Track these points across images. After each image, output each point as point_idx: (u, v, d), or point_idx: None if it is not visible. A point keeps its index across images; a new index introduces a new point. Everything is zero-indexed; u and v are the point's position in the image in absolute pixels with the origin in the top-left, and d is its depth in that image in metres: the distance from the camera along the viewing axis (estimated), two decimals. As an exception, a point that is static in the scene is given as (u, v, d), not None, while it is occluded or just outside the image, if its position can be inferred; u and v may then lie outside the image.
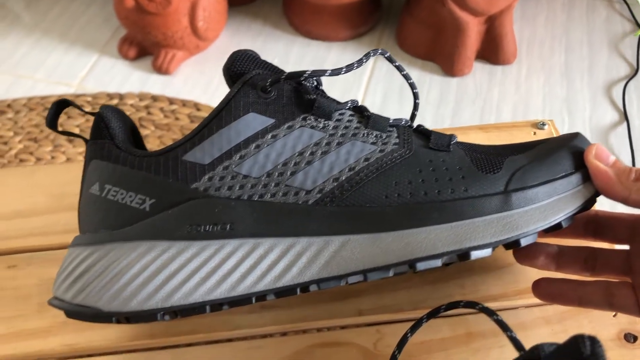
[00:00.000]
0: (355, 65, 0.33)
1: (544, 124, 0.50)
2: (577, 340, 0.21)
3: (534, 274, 0.38)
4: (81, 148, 0.89)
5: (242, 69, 0.33)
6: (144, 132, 0.91)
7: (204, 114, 0.93)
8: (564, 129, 0.90)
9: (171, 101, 0.94)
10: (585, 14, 1.10)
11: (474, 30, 0.95)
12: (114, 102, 0.94)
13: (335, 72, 0.33)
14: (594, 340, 0.21)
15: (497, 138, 0.49)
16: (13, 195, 0.45)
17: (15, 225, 0.43)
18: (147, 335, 0.37)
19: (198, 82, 0.99)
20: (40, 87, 0.98)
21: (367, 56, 0.34)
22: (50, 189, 0.45)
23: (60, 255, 0.41)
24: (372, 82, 0.98)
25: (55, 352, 0.37)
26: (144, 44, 1.01)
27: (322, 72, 0.33)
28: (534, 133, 0.49)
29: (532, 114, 0.92)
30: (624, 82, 0.97)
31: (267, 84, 0.33)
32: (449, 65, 0.98)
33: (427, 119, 0.92)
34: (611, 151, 0.86)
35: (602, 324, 0.38)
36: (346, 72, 0.33)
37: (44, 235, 0.42)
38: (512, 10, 0.94)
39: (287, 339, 0.37)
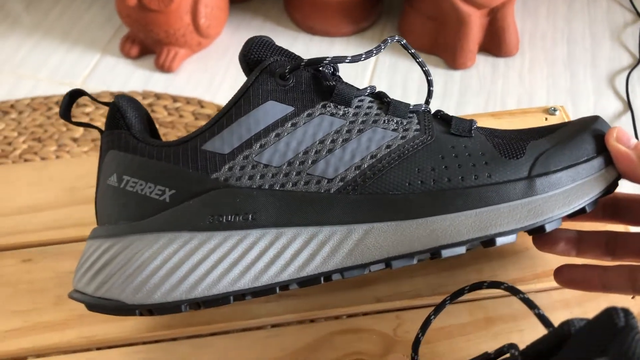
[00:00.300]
0: (374, 51, 0.33)
1: (555, 110, 0.50)
2: (610, 313, 0.21)
3: (551, 258, 0.38)
4: (86, 147, 0.88)
5: (258, 56, 0.33)
6: (147, 130, 0.90)
7: (208, 110, 0.92)
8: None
9: (175, 99, 0.94)
10: (587, 5, 1.10)
11: (476, 22, 0.95)
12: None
13: (356, 58, 0.32)
14: (627, 312, 0.21)
15: (509, 125, 0.49)
16: (25, 190, 0.44)
17: (28, 219, 0.43)
18: (165, 326, 0.37)
19: (201, 79, 0.99)
20: (43, 87, 0.98)
21: (385, 42, 0.34)
22: (62, 183, 0.45)
23: (74, 248, 0.41)
24: (375, 75, 0.98)
25: (73, 344, 0.36)
26: (146, 42, 1.00)
27: (342, 59, 0.32)
28: (546, 119, 0.49)
29: (536, 106, 0.92)
30: (627, 72, 0.97)
31: (286, 70, 0.32)
32: (452, 58, 0.98)
33: (431, 112, 0.92)
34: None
35: (621, 306, 0.37)
36: (365, 58, 0.33)
37: (58, 228, 0.42)
38: (514, 2, 0.94)
39: (305, 326, 0.37)
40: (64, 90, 0.97)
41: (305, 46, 1.04)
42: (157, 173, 0.32)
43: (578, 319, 0.24)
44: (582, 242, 0.36)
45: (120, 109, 0.34)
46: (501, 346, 0.25)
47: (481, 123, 0.49)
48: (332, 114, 0.32)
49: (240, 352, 0.36)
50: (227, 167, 0.31)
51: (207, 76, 0.99)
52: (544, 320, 0.27)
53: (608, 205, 0.36)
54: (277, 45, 0.34)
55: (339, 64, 0.34)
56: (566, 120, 0.47)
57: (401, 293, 0.39)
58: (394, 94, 0.93)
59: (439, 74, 0.98)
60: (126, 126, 0.33)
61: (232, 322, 0.37)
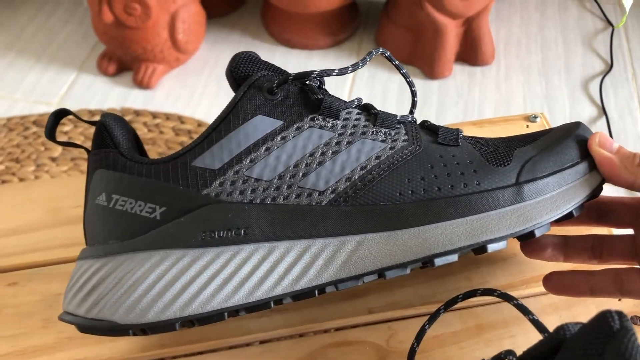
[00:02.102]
0: (360, 64, 0.34)
1: (536, 117, 0.51)
2: (606, 316, 0.21)
3: (539, 263, 0.39)
4: (65, 166, 0.87)
5: (246, 72, 0.33)
6: (127, 147, 0.89)
7: (189, 126, 0.92)
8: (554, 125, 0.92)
9: (154, 115, 0.93)
10: (558, 12, 1.12)
11: (452, 32, 0.96)
12: (96, 119, 0.92)
13: (342, 71, 0.33)
14: (621, 315, 0.21)
15: (491, 133, 0.50)
16: (9, 212, 0.44)
17: (13, 241, 0.42)
18: (157, 345, 0.37)
19: (180, 94, 0.98)
20: (20, 107, 0.96)
21: (369, 54, 0.34)
22: (46, 203, 0.44)
23: (61, 270, 0.40)
24: (354, 87, 0.98)
25: (65, 368, 0.36)
26: (124, 59, 0.99)
27: (330, 72, 0.33)
28: (527, 126, 0.50)
29: (513, 113, 0.93)
30: (600, 78, 0.99)
31: (274, 85, 0.32)
32: (429, 68, 0.99)
33: (411, 122, 0.93)
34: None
35: (608, 308, 0.38)
36: (352, 70, 0.33)
37: (44, 250, 0.42)
38: (488, 11, 0.96)
39: (299, 340, 0.37)
40: (41, 109, 0.96)
41: (283, 59, 1.04)
42: (147, 191, 0.32)
43: (573, 323, 0.24)
44: (568, 247, 0.36)
45: (108, 127, 0.33)
46: (498, 353, 0.26)
47: (465, 132, 0.50)
48: (320, 127, 0.33)
49: (233, 369, 0.36)
50: (218, 182, 0.31)
51: (187, 91, 0.99)
52: (539, 326, 0.28)
53: (592, 209, 0.37)
54: (263, 61, 0.34)
55: (342, 75, 0.34)
56: (547, 127, 0.48)
57: (393, 303, 0.39)
58: (374, 105, 0.94)
59: (417, 84, 0.99)
60: (114, 145, 0.33)
61: (225, 339, 0.37)
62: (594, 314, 0.38)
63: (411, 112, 0.38)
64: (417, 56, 1.00)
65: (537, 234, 0.31)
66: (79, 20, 1.13)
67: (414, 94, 0.38)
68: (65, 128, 0.92)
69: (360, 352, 0.37)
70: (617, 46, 1.05)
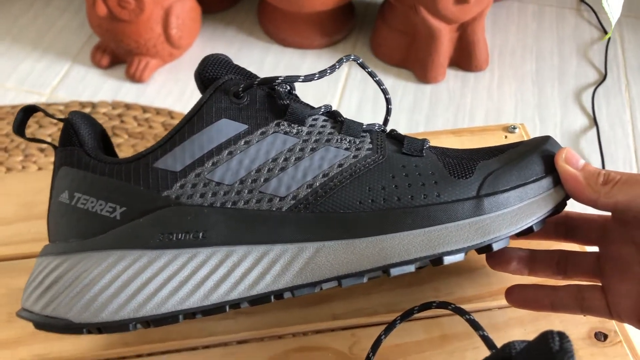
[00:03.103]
0: (328, 71, 0.34)
1: (514, 128, 0.50)
2: (547, 337, 0.21)
3: (507, 276, 0.38)
4: (53, 157, 0.87)
5: (214, 74, 0.33)
6: (117, 140, 0.90)
7: (178, 121, 0.92)
8: (535, 135, 0.92)
9: (145, 109, 0.93)
10: (555, 22, 1.12)
11: (446, 37, 0.96)
12: (87, 110, 0.92)
13: (308, 78, 0.33)
14: (562, 336, 0.21)
15: (469, 142, 0.50)
16: (-20, 205, 0.44)
17: (-18, 235, 0.42)
18: (120, 344, 0.37)
19: (172, 90, 0.99)
20: (11, 96, 0.96)
21: (340, 62, 0.34)
22: (20, 197, 0.44)
23: (29, 265, 0.40)
24: (346, 90, 0.98)
25: (25, 363, 0.36)
26: (117, 52, 1.00)
27: (295, 78, 0.33)
28: (505, 137, 0.50)
29: (504, 120, 0.93)
30: (592, 88, 0.99)
31: (240, 89, 0.32)
32: (422, 72, 0.99)
33: (401, 125, 0.93)
34: (582, 155, 0.87)
35: (573, 324, 0.38)
36: (319, 78, 0.33)
37: (13, 244, 0.42)
38: (483, 18, 0.96)
39: (262, 344, 0.37)
40: (33, 99, 0.96)
41: (277, 58, 1.04)
42: (109, 190, 0.32)
43: (519, 341, 0.24)
44: (534, 262, 0.36)
45: (74, 125, 0.34)
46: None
47: (442, 140, 0.50)
48: (285, 133, 0.33)
49: (195, 370, 0.36)
50: (179, 184, 0.31)
51: (179, 87, 0.99)
52: (488, 342, 0.28)
53: (560, 224, 0.37)
54: (233, 64, 0.34)
55: (308, 82, 0.34)
56: (523, 139, 0.48)
57: (357, 310, 0.39)
58: (365, 109, 0.94)
59: (410, 88, 0.99)
60: (79, 143, 0.33)
61: (188, 340, 0.37)
62: (557, 328, 0.38)
63: (385, 120, 0.38)
64: (411, 60, 1.00)
65: (495, 247, 0.31)
66: (76, 9, 1.13)
67: (388, 101, 0.38)
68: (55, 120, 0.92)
69: (323, 357, 0.37)
70: (612, 57, 1.04)
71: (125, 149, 0.88)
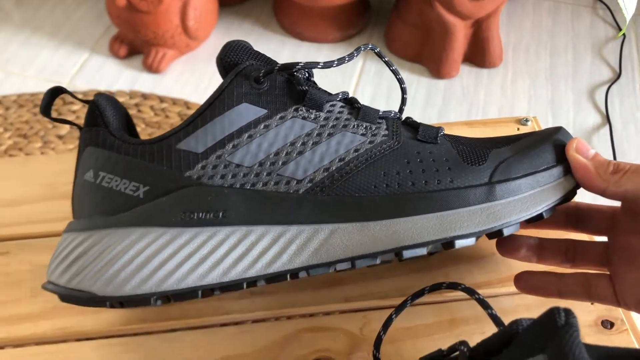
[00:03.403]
0: (347, 58, 0.34)
1: (527, 120, 0.51)
2: (553, 312, 0.22)
3: (516, 263, 0.39)
4: (71, 144, 0.89)
5: (235, 60, 0.34)
6: (133, 129, 0.91)
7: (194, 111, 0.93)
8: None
9: (161, 99, 0.95)
10: (570, 19, 1.12)
11: (461, 33, 0.96)
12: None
13: (327, 64, 0.34)
14: (568, 312, 0.22)
15: (482, 133, 0.50)
16: (6, 184, 0.45)
17: (8, 213, 0.43)
18: (138, 319, 0.38)
19: (188, 80, 1.00)
20: (31, 85, 0.98)
21: (357, 50, 0.35)
22: (43, 178, 0.46)
23: (52, 243, 0.42)
24: (360, 82, 0.99)
25: (47, 336, 0.37)
26: (135, 43, 1.01)
27: (315, 64, 0.33)
28: (518, 129, 0.51)
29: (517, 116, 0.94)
30: (606, 86, 0.99)
31: (260, 74, 0.33)
32: (436, 68, 1.00)
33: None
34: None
35: (580, 311, 0.39)
36: (338, 65, 0.34)
37: (37, 222, 0.43)
38: (498, 14, 0.96)
39: (276, 324, 0.38)
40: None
41: (293, 51, 1.05)
42: (132, 170, 0.33)
43: (526, 318, 0.25)
44: (543, 249, 0.37)
45: (100, 107, 0.35)
46: (454, 343, 0.27)
47: (455, 131, 0.51)
48: (303, 118, 0.33)
49: (211, 347, 0.37)
50: (200, 165, 0.32)
51: (195, 78, 1.00)
52: (496, 320, 0.28)
53: (571, 214, 0.38)
54: (254, 50, 0.35)
55: (324, 69, 0.34)
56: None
57: (369, 294, 0.40)
58: (379, 101, 0.95)
59: (423, 83, 0.99)
60: (104, 124, 0.34)
61: (205, 318, 0.38)
62: (564, 315, 0.39)
63: (400, 109, 0.39)
64: (425, 55, 1.01)
65: (506, 232, 0.32)
66: (94, 2, 1.14)
67: (403, 91, 0.38)
68: (74, 107, 0.94)
69: (334, 338, 0.38)
70: (627, 55, 1.04)
71: (142, 137, 0.89)
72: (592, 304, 0.39)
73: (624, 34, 1.07)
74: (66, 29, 1.09)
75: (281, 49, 1.06)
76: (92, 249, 0.32)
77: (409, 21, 1.00)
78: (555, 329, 0.22)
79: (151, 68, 0.99)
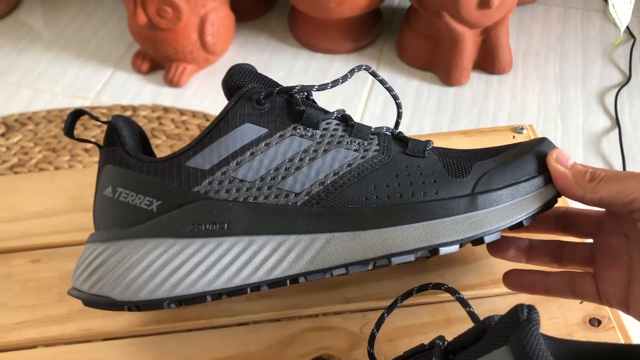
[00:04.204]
0: (341, 80, 0.37)
1: (522, 128, 0.53)
2: (517, 309, 0.24)
3: (509, 265, 0.41)
4: (97, 157, 0.93)
5: (238, 83, 0.37)
6: (156, 141, 0.95)
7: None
8: (557, 135, 0.94)
9: (182, 112, 0.99)
10: (580, 24, 1.13)
11: (470, 41, 0.98)
12: (128, 113, 0.99)
13: (322, 87, 0.37)
14: (531, 308, 0.24)
15: (479, 141, 0.53)
16: (35, 198, 0.49)
17: (38, 224, 0.47)
18: (155, 321, 0.41)
19: (207, 94, 1.04)
20: (59, 101, 1.03)
21: (351, 72, 0.38)
22: (69, 191, 0.50)
23: (77, 251, 0.46)
24: (372, 92, 1.02)
25: (74, 336, 0.41)
26: (156, 58, 1.05)
27: (310, 87, 0.36)
28: (513, 137, 0.53)
29: (527, 121, 0.95)
30: (616, 90, 1.00)
31: (261, 97, 0.36)
32: (447, 75, 1.02)
33: (425, 127, 0.96)
34: (603, 156, 0.89)
35: (570, 310, 0.41)
36: (332, 87, 0.37)
37: (64, 233, 0.47)
38: (506, 21, 0.98)
39: (281, 324, 0.41)
40: (78, 103, 1.03)
41: (307, 63, 1.08)
42: (147, 186, 0.36)
43: (498, 315, 0.28)
44: (532, 250, 0.39)
45: (117, 127, 0.38)
46: (434, 338, 0.29)
47: (453, 140, 0.53)
48: (301, 136, 0.36)
49: (222, 346, 0.40)
50: (207, 181, 0.36)
51: (214, 91, 1.04)
52: (473, 317, 0.31)
53: (560, 219, 0.40)
54: (257, 73, 0.39)
55: (322, 91, 0.37)
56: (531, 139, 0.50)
57: (369, 295, 0.42)
58: (390, 110, 0.97)
59: (434, 90, 1.02)
60: (121, 143, 0.38)
61: (216, 319, 0.42)
62: (555, 314, 0.41)
63: (396, 123, 0.41)
64: (435, 63, 1.03)
65: (487, 240, 0.34)
66: (118, 19, 1.19)
67: (398, 106, 0.41)
68: (99, 123, 0.99)
69: (335, 337, 0.41)
70: (636, 58, 1.05)
71: (163, 149, 0.93)
72: (580, 302, 0.41)
73: (633, 37, 1.08)
74: (91, 47, 1.14)
75: (296, 61, 1.09)
76: (110, 258, 0.35)
77: (420, 31, 1.03)
78: (517, 323, 0.24)
79: (172, 82, 1.03)
